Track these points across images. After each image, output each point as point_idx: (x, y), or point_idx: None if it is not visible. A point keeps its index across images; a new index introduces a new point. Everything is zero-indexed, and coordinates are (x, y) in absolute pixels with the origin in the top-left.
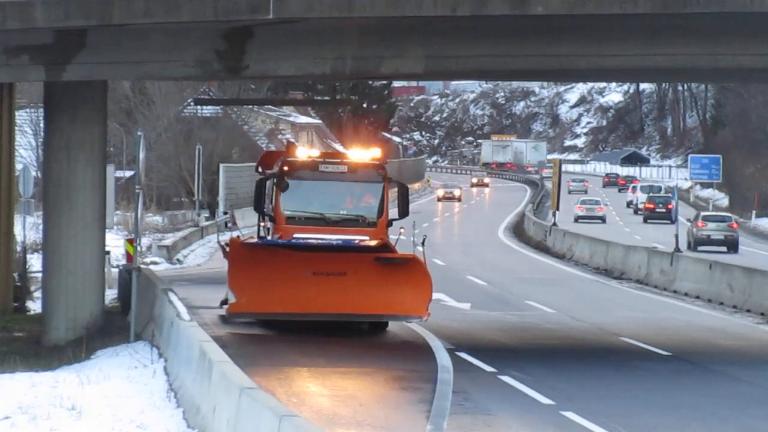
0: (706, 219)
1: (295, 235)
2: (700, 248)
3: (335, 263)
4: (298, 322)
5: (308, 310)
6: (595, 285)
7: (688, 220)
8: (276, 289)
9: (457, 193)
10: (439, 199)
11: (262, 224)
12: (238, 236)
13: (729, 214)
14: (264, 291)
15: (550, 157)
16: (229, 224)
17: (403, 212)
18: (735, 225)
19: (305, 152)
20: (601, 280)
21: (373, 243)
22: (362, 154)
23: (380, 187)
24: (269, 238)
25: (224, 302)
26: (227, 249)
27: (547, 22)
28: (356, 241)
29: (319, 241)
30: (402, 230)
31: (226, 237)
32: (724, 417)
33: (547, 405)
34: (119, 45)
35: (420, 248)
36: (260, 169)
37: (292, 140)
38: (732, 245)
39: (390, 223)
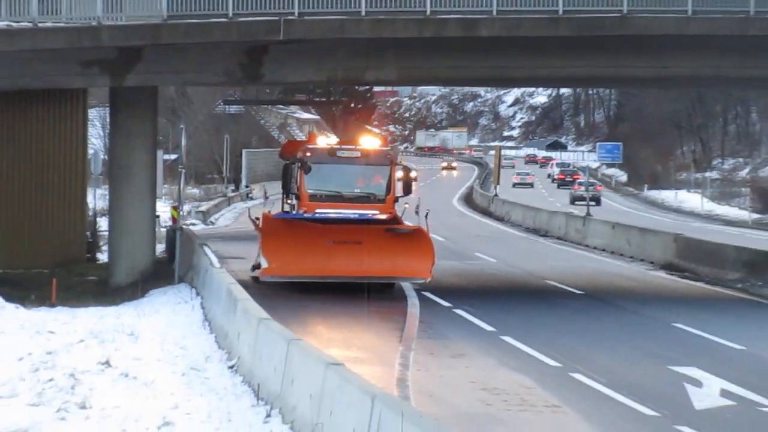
0: (580, 183)
1: (317, 210)
2: (576, 203)
3: (352, 233)
4: (320, 283)
5: (329, 273)
6: (526, 241)
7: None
8: (302, 255)
9: (455, 163)
10: (444, 169)
11: (287, 201)
12: (269, 211)
13: (595, 181)
14: (292, 257)
15: (492, 144)
16: (251, 195)
17: (407, 190)
18: (598, 187)
19: (324, 140)
20: (531, 237)
21: (384, 216)
22: (372, 141)
23: (388, 169)
24: (294, 213)
25: (256, 267)
26: (258, 222)
27: (492, 42)
28: (370, 215)
29: (339, 215)
30: (406, 205)
31: (250, 206)
32: (621, 340)
33: (490, 332)
34: (166, 59)
35: (424, 220)
36: (283, 155)
37: (314, 132)
38: (596, 200)
39: (396, 199)
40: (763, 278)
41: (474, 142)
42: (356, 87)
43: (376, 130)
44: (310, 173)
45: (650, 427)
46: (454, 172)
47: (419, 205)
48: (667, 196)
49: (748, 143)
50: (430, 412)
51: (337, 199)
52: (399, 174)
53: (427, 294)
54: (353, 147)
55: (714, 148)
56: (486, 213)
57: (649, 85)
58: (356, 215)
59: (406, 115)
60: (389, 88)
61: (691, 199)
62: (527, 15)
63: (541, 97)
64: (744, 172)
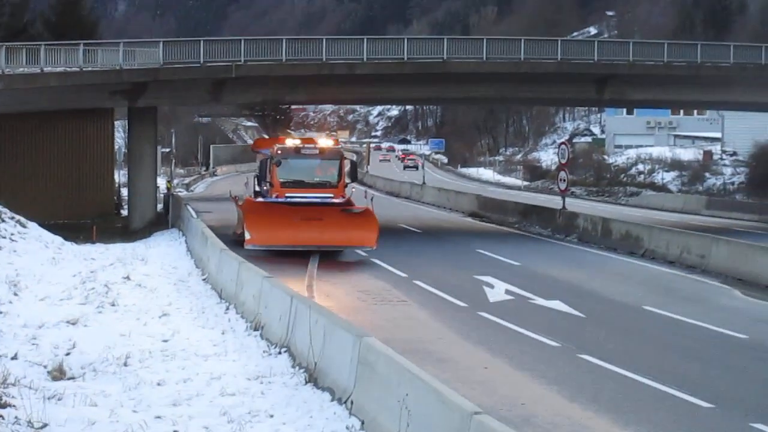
0: (409, 160)
1: (287, 194)
2: (406, 169)
3: (315, 212)
4: (291, 250)
5: (298, 242)
6: (385, 200)
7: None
8: (277, 229)
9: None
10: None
11: (263, 187)
12: (250, 196)
13: (417, 155)
14: (269, 230)
15: (364, 140)
16: (215, 173)
17: (353, 178)
18: (419, 161)
19: (292, 141)
20: (388, 198)
21: (340, 200)
22: (326, 142)
23: (339, 162)
24: (270, 197)
25: (238, 235)
26: (239, 201)
27: (364, 77)
28: (328, 198)
29: (305, 199)
30: (353, 189)
31: (215, 179)
32: (445, 260)
33: (365, 257)
34: (162, 89)
35: (370, 203)
36: (254, 149)
37: (290, 132)
38: (415, 167)
39: (346, 184)
40: (530, 221)
41: (354, 139)
42: (280, 105)
43: (293, 132)
44: (281, 166)
45: (462, 312)
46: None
47: (367, 192)
48: (472, 171)
49: (521, 138)
50: (327, 304)
51: (301, 185)
52: (347, 166)
53: None
54: (313, 146)
55: (500, 142)
56: (361, 183)
57: (459, 103)
58: (318, 198)
59: (311, 123)
60: (301, 106)
61: (486, 173)
62: (385, 61)
63: (394, 110)
64: (518, 156)
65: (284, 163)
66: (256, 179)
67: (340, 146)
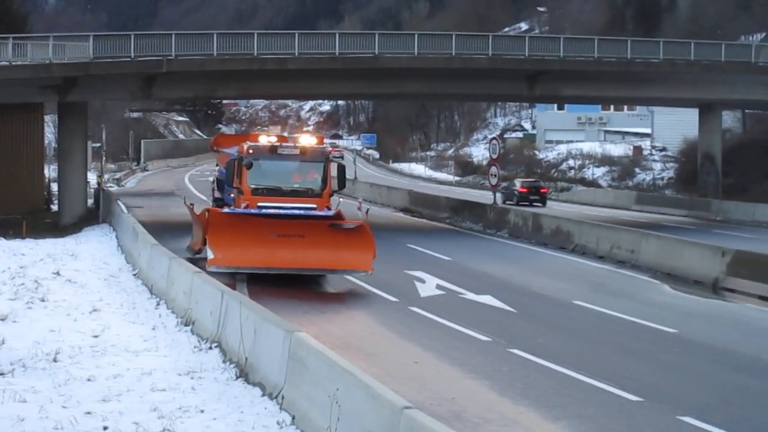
0: (334, 147)
1: (259, 204)
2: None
3: (295, 228)
4: (263, 274)
5: (273, 264)
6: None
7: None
8: (246, 247)
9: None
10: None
11: (231, 195)
12: (215, 206)
13: (347, 150)
14: (236, 249)
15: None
16: (146, 168)
17: (341, 185)
18: (344, 152)
19: (266, 138)
20: None
21: (330, 212)
22: (309, 139)
23: (324, 166)
24: (238, 207)
25: (197, 252)
26: (194, 209)
27: (296, 73)
28: (312, 210)
29: (285, 211)
30: (340, 199)
31: (146, 175)
32: (378, 255)
33: None
34: (93, 84)
35: (365, 217)
36: (214, 148)
37: (265, 130)
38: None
39: (332, 193)
40: (462, 216)
41: (285, 134)
42: (211, 100)
43: (225, 129)
44: (252, 169)
45: (394, 307)
46: None
47: (361, 202)
48: (404, 166)
49: (452, 134)
50: (259, 301)
51: (277, 193)
52: (334, 170)
53: None
54: (293, 145)
55: (432, 137)
56: None
57: (391, 99)
58: (299, 210)
59: (243, 118)
60: (232, 101)
61: (418, 168)
62: (317, 56)
63: (326, 106)
64: (450, 152)
65: (257, 165)
66: (215, 184)
67: (326, 146)
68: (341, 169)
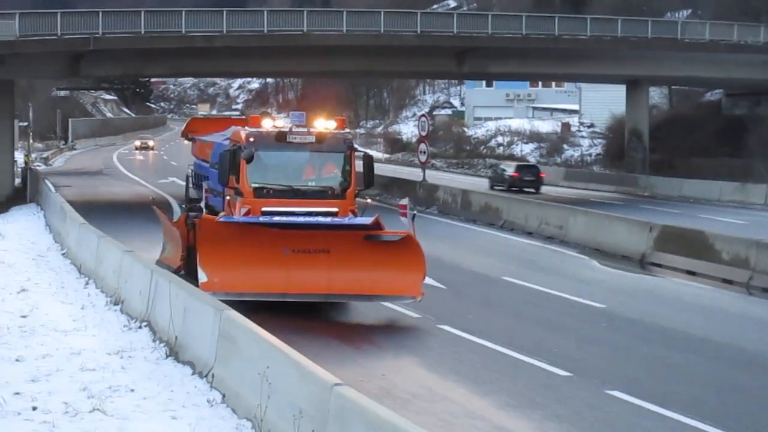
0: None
1: (264, 208)
2: None
3: (317, 240)
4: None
5: (288, 290)
6: None
7: None
8: (250, 268)
9: (151, 143)
10: (136, 148)
11: (227, 198)
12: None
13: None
14: (237, 270)
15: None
16: (74, 146)
17: (369, 182)
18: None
19: (270, 123)
20: None
21: (368, 220)
22: (327, 123)
23: (347, 157)
24: (235, 214)
25: (178, 269)
26: (160, 211)
27: (224, 51)
28: (345, 219)
29: (306, 220)
30: (369, 201)
31: (74, 153)
32: None
33: None
34: (19, 62)
35: (411, 224)
36: (186, 134)
37: (267, 111)
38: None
39: (357, 193)
40: (391, 193)
41: (214, 112)
42: (140, 78)
43: (153, 105)
44: (254, 163)
45: None
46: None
47: (407, 205)
48: None
49: (381, 111)
50: (189, 279)
51: (287, 194)
52: (359, 163)
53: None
54: (306, 130)
55: (361, 114)
56: None
57: (320, 76)
58: (327, 219)
59: (171, 96)
60: (161, 79)
61: None
62: (245, 33)
63: (255, 83)
64: (379, 129)
65: (259, 157)
66: (191, 182)
67: (347, 131)
68: (369, 162)
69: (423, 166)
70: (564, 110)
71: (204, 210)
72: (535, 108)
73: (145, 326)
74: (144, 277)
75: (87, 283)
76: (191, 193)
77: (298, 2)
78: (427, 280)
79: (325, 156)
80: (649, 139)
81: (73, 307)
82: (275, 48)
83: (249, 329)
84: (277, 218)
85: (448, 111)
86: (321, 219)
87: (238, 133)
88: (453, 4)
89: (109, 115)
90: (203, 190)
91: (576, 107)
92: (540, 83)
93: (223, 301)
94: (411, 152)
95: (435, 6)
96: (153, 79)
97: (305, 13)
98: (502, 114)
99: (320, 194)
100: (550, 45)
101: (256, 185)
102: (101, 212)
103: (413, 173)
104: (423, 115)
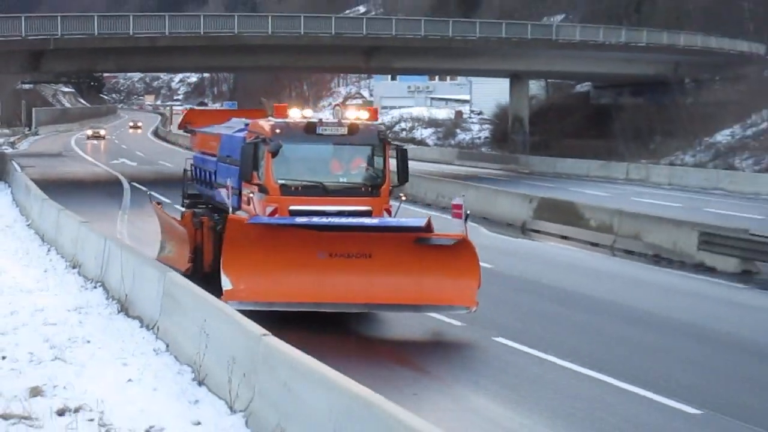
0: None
1: (291, 207)
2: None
3: (358, 243)
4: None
5: (324, 299)
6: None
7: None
8: (284, 274)
9: (102, 132)
10: (88, 138)
11: (251, 194)
12: (232, 213)
13: None
14: (267, 277)
15: (168, 103)
16: (38, 132)
17: (404, 178)
18: (183, 111)
19: (298, 112)
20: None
21: (421, 222)
22: (359, 114)
23: (381, 151)
24: (259, 214)
25: (185, 272)
26: (159, 205)
27: (167, 49)
28: (390, 219)
29: (347, 221)
30: (403, 198)
31: (38, 138)
32: None
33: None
34: None
35: (465, 226)
36: (185, 126)
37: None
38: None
39: (391, 190)
40: None
41: (159, 102)
42: (93, 73)
43: (106, 97)
44: (280, 157)
45: None
46: (139, 131)
47: (462, 204)
48: None
49: (302, 101)
50: (136, 247)
51: (316, 191)
52: (393, 156)
53: (134, 183)
54: (336, 121)
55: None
56: (166, 140)
57: (249, 71)
58: (375, 220)
59: (121, 88)
60: (112, 74)
61: None
62: (184, 35)
63: (193, 77)
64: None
65: (286, 151)
66: (190, 175)
67: (380, 122)
68: (403, 156)
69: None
70: (457, 100)
71: (213, 205)
72: (432, 98)
73: (99, 286)
74: (98, 245)
75: (49, 250)
76: (191, 188)
77: (230, 8)
78: None
79: (357, 149)
80: (529, 124)
81: (36, 271)
82: (210, 47)
83: (189, 289)
84: (316, 219)
85: (359, 101)
86: (367, 220)
87: (258, 124)
88: (363, 9)
89: (67, 105)
90: (212, 186)
91: (467, 97)
92: (437, 77)
93: (245, 311)
94: None
95: (347, 11)
96: (105, 74)
97: (236, 17)
98: (404, 103)
99: (352, 191)
100: (444, 45)
101: (283, 182)
102: (61, 189)
103: None
104: (337, 105)
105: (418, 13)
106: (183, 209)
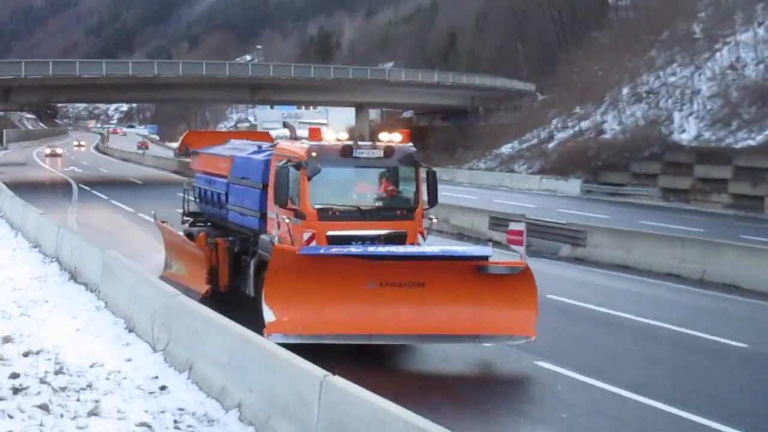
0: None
1: (328, 233)
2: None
3: (408, 271)
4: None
5: (374, 330)
6: (118, 163)
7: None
8: (332, 305)
9: (60, 150)
10: (47, 156)
11: (282, 219)
12: (274, 241)
13: (144, 137)
14: (313, 309)
15: (106, 126)
16: (5, 147)
17: (434, 200)
18: (117, 131)
19: (332, 134)
20: (120, 161)
21: (487, 250)
22: (393, 136)
23: (414, 173)
24: (303, 237)
25: (203, 295)
26: (162, 222)
27: (91, 85)
28: (459, 251)
29: (404, 251)
30: (435, 220)
31: (7, 152)
32: (161, 198)
33: (106, 199)
34: None
35: (524, 253)
36: (184, 149)
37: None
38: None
39: (422, 212)
40: None
41: (99, 125)
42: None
43: (58, 121)
44: (317, 180)
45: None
46: (83, 148)
47: (523, 231)
48: (174, 145)
49: (205, 123)
50: (83, 231)
51: (353, 215)
52: (424, 178)
53: (82, 185)
54: (372, 143)
55: (193, 125)
56: (105, 153)
57: (166, 102)
58: (436, 252)
59: (70, 114)
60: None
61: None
62: (117, 75)
63: (125, 106)
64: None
65: (323, 174)
66: (191, 195)
67: (411, 144)
68: (434, 178)
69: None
70: (318, 123)
71: (208, 223)
72: (300, 122)
73: (55, 261)
74: (53, 230)
75: (16, 235)
76: (192, 207)
77: (151, 56)
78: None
79: (392, 172)
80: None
81: (6, 250)
82: (137, 85)
83: (121, 261)
84: (372, 248)
85: (247, 124)
86: (428, 249)
87: (290, 147)
88: (249, 57)
89: (30, 127)
90: (221, 206)
91: (325, 121)
92: (303, 107)
93: (287, 345)
94: None
95: (237, 58)
96: (58, 104)
97: (155, 63)
98: (279, 126)
99: (388, 215)
100: (308, 83)
101: (320, 206)
102: (25, 189)
103: None
104: (231, 128)
105: (289, 60)
106: (186, 227)
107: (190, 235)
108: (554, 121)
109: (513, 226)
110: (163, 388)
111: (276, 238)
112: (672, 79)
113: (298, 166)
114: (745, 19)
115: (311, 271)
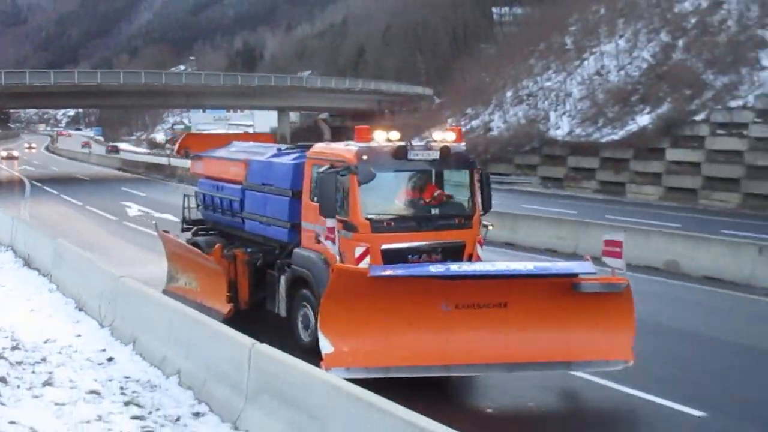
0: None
1: (383, 246)
2: (83, 147)
3: (487, 291)
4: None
5: (450, 361)
6: (68, 162)
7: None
8: (398, 333)
9: (16, 153)
10: (3, 159)
11: (328, 231)
12: (337, 261)
13: (87, 138)
14: (380, 338)
15: (55, 129)
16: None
17: (488, 205)
18: (64, 132)
19: (383, 135)
20: (71, 161)
21: (588, 266)
22: (448, 135)
23: (469, 176)
24: (355, 253)
25: (225, 315)
26: (163, 232)
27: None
28: (554, 268)
29: (502, 270)
30: (491, 227)
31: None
32: (104, 193)
33: (71, 201)
34: None
35: (615, 269)
36: (182, 152)
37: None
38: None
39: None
40: (151, 171)
41: (48, 128)
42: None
43: (11, 125)
44: (369, 187)
45: (113, 223)
46: (34, 150)
47: (622, 242)
48: (119, 145)
49: (144, 126)
50: (35, 223)
51: (408, 225)
52: (478, 180)
53: (38, 183)
54: (426, 144)
55: (134, 127)
56: (54, 153)
57: (110, 108)
58: (533, 270)
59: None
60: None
61: (126, 146)
62: (65, 83)
63: (72, 111)
64: (144, 136)
65: (376, 180)
66: (193, 202)
67: (464, 144)
68: (488, 180)
69: (170, 156)
70: (245, 125)
71: (210, 229)
72: (229, 124)
73: (10, 249)
74: (8, 222)
75: None
76: (194, 214)
77: (95, 66)
78: (173, 218)
79: (449, 176)
80: (290, 140)
81: None
82: (82, 92)
83: (70, 249)
84: (455, 267)
85: (182, 126)
86: (520, 266)
87: (335, 150)
88: (183, 67)
89: None
90: (233, 215)
91: (252, 123)
92: (232, 110)
93: (351, 379)
94: (161, 149)
95: (173, 68)
96: (11, 110)
97: (99, 72)
98: (211, 127)
99: (445, 224)
100: (236, 90)
101: (372, 216)
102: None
103: (161, 160)
104: (169, 129)
105: (219, 69)
106: (190, 236)
107: (196, 245)
108: (449, 121)
109: (609, 236)
110: (110, 359)
111: (336, 255)
112: (548, 83)
113: (345, 172)
114: (609, 32)
115: (375, 293)
